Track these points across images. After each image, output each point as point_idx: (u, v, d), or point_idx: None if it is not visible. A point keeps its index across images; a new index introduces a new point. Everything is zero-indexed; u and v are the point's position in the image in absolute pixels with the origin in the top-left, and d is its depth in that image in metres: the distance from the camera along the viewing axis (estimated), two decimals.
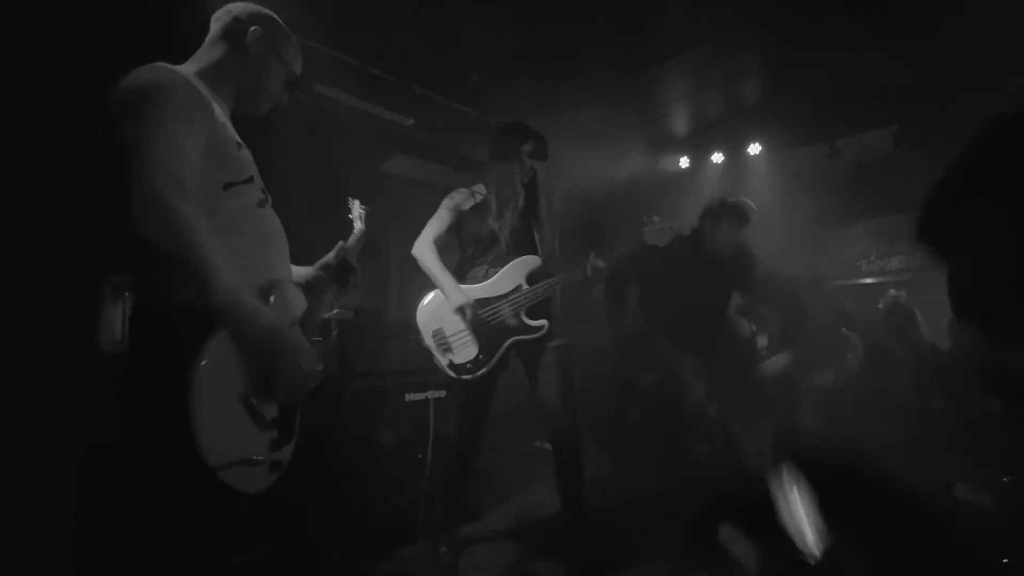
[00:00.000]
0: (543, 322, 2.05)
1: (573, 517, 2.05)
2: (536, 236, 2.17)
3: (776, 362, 3.26)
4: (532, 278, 2.09)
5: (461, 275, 2.18)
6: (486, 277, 2.11)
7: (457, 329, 2.07)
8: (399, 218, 2.36)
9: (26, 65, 2.24)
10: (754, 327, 3.36)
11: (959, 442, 2.48)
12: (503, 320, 2.05)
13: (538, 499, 2.84)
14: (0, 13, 2.15)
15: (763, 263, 3.52)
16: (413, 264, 2.17)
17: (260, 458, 1.06)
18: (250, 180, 1.18)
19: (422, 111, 3.68)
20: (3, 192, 2.17)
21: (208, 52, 1.23)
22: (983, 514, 1.17)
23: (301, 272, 1.47)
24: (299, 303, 1.26)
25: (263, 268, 1.17)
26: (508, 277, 2.09)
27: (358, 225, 1.69)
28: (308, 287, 1.43)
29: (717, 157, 4.72)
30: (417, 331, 2.15)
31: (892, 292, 3.78)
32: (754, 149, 4.44)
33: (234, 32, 1.23)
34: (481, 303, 2.07)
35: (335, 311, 3.03)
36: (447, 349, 2.07)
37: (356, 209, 1.72)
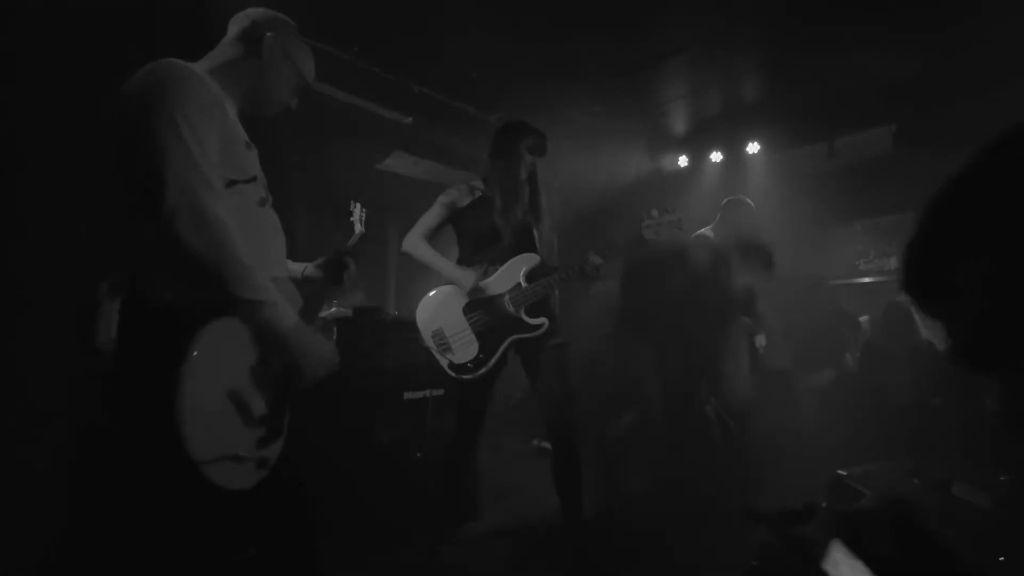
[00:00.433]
0: (543, 320, 2.05)
1: (572, 516, 2.05)
2: (535, 233, 2.16)
3: (821, 377, 3.32)
4: (531, 276, 2.08)
5: None
6: (486, 275, 2.10)
7: (457, 329, 2.06)
8: (398, 215, 2.36)
9: (25, 65, 2.24)
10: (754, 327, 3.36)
11: (957, 441, 2.49)
12: (503, 318, 2.04)
13: (537, 498, 2.84)
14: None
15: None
16: (411, 262, 2.16)
17: (246, 455, 1.06)
18: (253, 179, 1.18)
19: (421, 109, 3.68)
20: (3, 192, 2.16)
21: (222, 52, 1.25)
22: (981, 513, 1.17)
23: (296, 268, 1.47)
24: (295, 301, 1.27)
25: (261, 266, 1.17)
26: (508, 275, 2.09)
27: (358, 228, 1.71)
28: (303, 284, 1.44)
29: (716, 156, 4.72)
30: (416, 331, 2.15)
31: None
32: (753, 148, 4.44)
33: (249, 36, 1.25)
34: (482, 302, 2.07)
35: (333, 309, 3.04)
36: (447, 349, 2.06)
37: (357, 212, 1.73)
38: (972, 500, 1.19)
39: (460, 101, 3.72)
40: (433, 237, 2.16)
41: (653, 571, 2.11)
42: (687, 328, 2.82)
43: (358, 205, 1.74)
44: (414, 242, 2.13)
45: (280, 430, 1.17)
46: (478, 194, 2.16)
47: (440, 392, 2.55)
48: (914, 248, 0.47)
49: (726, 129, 4.35)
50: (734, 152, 4.59)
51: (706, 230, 3.32)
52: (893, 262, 4.40)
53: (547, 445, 2.21)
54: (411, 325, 2.17)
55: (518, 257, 2.09)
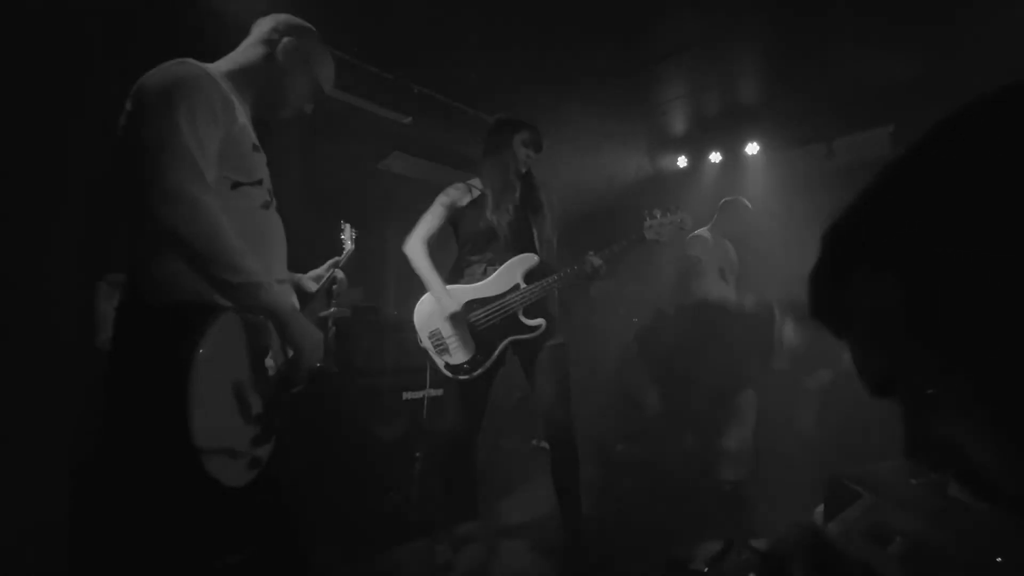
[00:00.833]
0: (540, 321, 2.05)
1: (570, 516, 2.05)
2: (535, 232, 2.15)
3: (819, 377, 3.32)
4: (530, 277, 2.08)
5: (459, 273, 2.17)
6: (484, 276, 2.10)
7: (453, 330, 2.06)
8: (397, 216, 2.36)
9: (25, 64, 2.23)
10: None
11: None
12: (501, 320, 2.04)
13: (535, 498, 2.84)
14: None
15: (761, 263, 3.53)
16: (409, 262, 2.17)
17: (241, 451, 1.08)
18: (259, 182, 1.20)
19: (420, 109, 3.67)
20: (2, 191, 2.16)
21: (241, 54, 1.27)
22: (978, 513, 1.17)
23: (293, 279, 1.49)
24: (291, 304, 1.28)
25: (262, 268, 1.18)
26: (506, 276, 2.08)
27: (349, 245, 1.73)
28: (297, 292, 1.47)
29: (715, 156, 4.72)
30: (414, 332, 2.15)
31: None
32: (752, 149, 4.45)
33: (269, 40, 1.27)
34: (479, 303, 2.06)
35: (333, 309, 3.03)
36: (444, 350, 2.06)
37: (347, 232, 1.76)
38: (969, 501, 1.20)
39: (459, 101, 3.71)
40: (434, 238, 2.17)
41: (652, 571, 2.11)
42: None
43: (348, 225, 1.77)
44: (415, 247, 2.12)
45: (273, 431, 1.18)
46: (476, 193, 2.17)
47: (439, 392, 2.55)
48: (816, 269, 0.46)
49: (725, 130, 4.35)
50: (733, 152, 4.59)
51: (703, 231, 3.33)
52: None
53: (546, 445, 2.21)
54: (410, 325, 2.18)
55: (517, 258, 2.09)
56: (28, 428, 2.03)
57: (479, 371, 2.03)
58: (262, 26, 1.29)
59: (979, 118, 0.37)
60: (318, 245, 1.61)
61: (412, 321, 2.15)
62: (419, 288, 2.19)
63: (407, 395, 2.60)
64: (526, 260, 2.10)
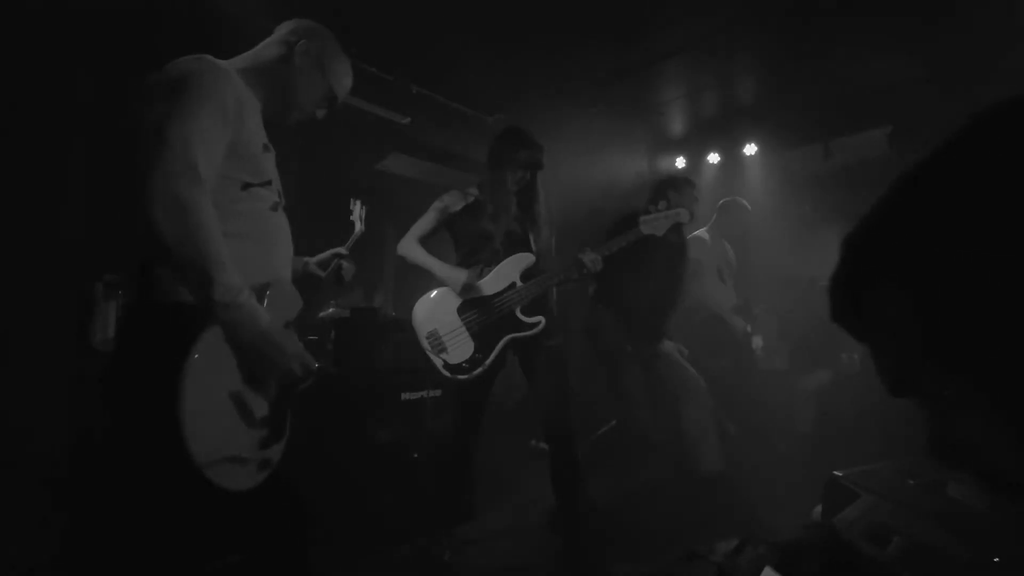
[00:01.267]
0: (539, 319, 2.05)
1: (569, 516, 2.05)
2: (531, 238, 2.17)
3: (817, 378, 3.31)
4: (526, 276, 2.08)
5: None
6: (481, 276, 2.11)
7: (452, 328, 2.06)
8: (395, 216, 2.36)
9: (24, 63, 2.23)
10: (749, 328, 3.37)
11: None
12: (499, 318, 2.04)
13: (534, 498, 2.84)
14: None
15: (759, 263, 3.53)
16: (408, 264, 2.17)
17: (248, 456, 1.06)
18: (268, 183, 1.19)
19: (419, 109, 3.67)
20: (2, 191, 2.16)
21: (257, 54, 1.27)
22: (975, 513, 1.17)
23: (296, 262, 1.48)
24: (295, 304, 1.27)
25: (266, 270, 1.17)
26: (503, 275, 2.09)
27: (358, 226, 1.72)
28: (305, 283, 1.45)
29: (713, 157, 4.73)
30: (412, 332, 2.15)
31: None
32: (750, 149, 4.46)
33: (287, 42, 1.27)
34: (477, 301, 2.07)
35: (331, 310, 3.03)
36: (442, 349, 2.06)
37: (357, 209, 1.75)
38: (967, 501, 1.20)
39: (458, 102, 3.71)
40: (428, 241, 2.19)
41: (650, 570, 2.11)
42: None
43: (358, 203, 1.75)
44: (408, 245, 2.16)
45: (282, 431, 1.17)
46: (471, 199, 2.18)
47: (438, 393, 2.55)
48: (837, 274, 0.48)
49: (723, 130, 4.36)
50: (731, 153, 4.60)
51: (702, 232, 3.34)
52: None
53: (545, 446, 2.21)
54: (409, 326, 2.18)
55: (513, 257, 2.10)
56: (28, 428, 2.02)
57: (478, 370, 2.03)
58: (283, 28, 1.30)
59: (996, 128, 0.38)
60: (319, 244, 1.61)
61: (410, 321, 2.15)
62: (418, 288, 2.19)
63: (406, 395, 2.60)
64: (522, 259, 2.10)
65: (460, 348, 2.05)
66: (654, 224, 2.14)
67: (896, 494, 1.29)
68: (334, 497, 2.25)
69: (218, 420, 1.01)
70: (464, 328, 2.06)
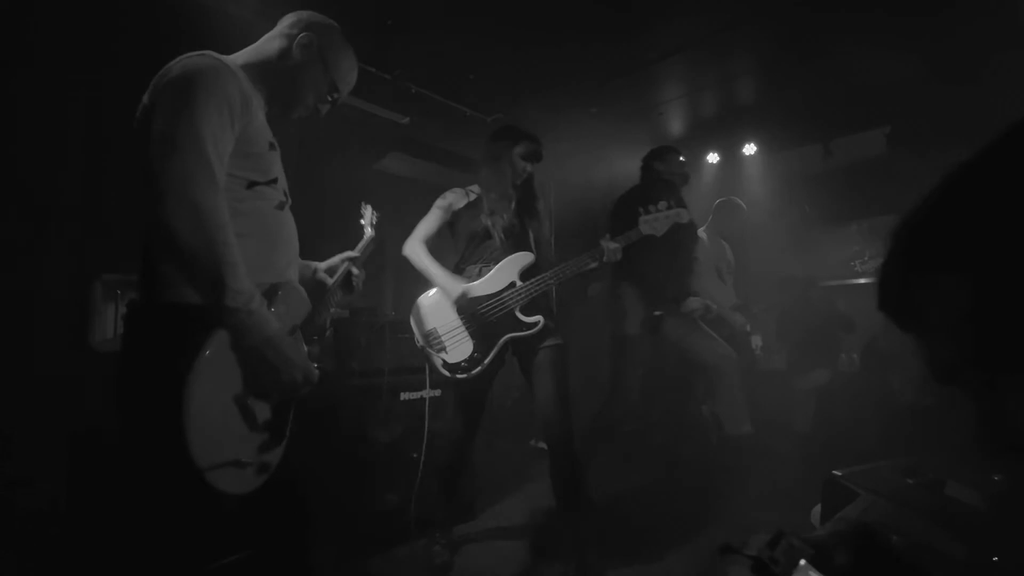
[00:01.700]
0: (538, 318, 2.05)
1: (569, 516, 2.05)
2: (531, 234, 2.17)
3: (816, 377, 3.35)
4: (526, 275, 2.08)
5: (457, 274, 2.18)
6: (480, 275, 2.11)
7: (451, 328, 2.06)
8: (395, 216, 2.36)
9: (24, 64, 2.22)
10: (748, 327, 3.38)
11: (950, 441, 2.50)
12: (498, 317, 2.04)
13: (534, 498, 2.85)
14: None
15: (758, 262, 3.53)
16: (408, 262, 2.17)
17: (248, 460, 1.06)
18: (274, 181, 1.17)
19: (418, 109, 3.67)
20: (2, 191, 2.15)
21: (259, 49, 1.24)
22: (974, 513, 1.17)
23: (305, 270, 1.47)
24: (303, 307, 1.25)
25: (273, 271, 1.16)
26: (502, 274, 2.09)
27: (368, 231, 1.69)
28: (313, 288, 1.44)
29: (712, 157, 4.74)
30: (411, 332, 2.15)
31: None
32: (749, 149, 4.46)
33: (288, 35, 1.24)
34: (476, 300, 2.07)
35: (332, 310, 3.02)
36: (441, 349, 2.06)
37: (368, 214, 1.72)
38: (965, 500, 1.20)
39: (458, 102, 3.71)
40: (433, 240, 2.19)
41: (649, 570, 2.11)
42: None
43: (369, 207, 1.72)
44: (414, 247, 2.16)
45: (282, 435, 1.16)
46: (473, 197, 2.19)
47: (437, 393, 2.54)
48: (887, 263, 0.48)
49: (722, 130, 4.37)
50: (730, 153, 4.61)
51: (700, 231, 3.35)
52: None
53: (544, 445, 2.21)
54: (408, 325, 2.18)
55: (513, 256, 2.10)
56: (27, 428, 2.01)
57: (478, 370, 2.02)
58: (284, 21, 1.27)
59: None
60: (318, 244, 1.61)
61: (409, 321, 2.15)
62: (417, 289, 2.19)
63: (405, 396, 2.60)
64: (522, 258, 2.10)
65: (459, 347, 2.05)
66: (654, 224, 2.15)
67: (895, 493, 1.29)
68: (333, 497, 2.25)
69: (221, 424, 1.01)
70: (463, 327, 2.06)
